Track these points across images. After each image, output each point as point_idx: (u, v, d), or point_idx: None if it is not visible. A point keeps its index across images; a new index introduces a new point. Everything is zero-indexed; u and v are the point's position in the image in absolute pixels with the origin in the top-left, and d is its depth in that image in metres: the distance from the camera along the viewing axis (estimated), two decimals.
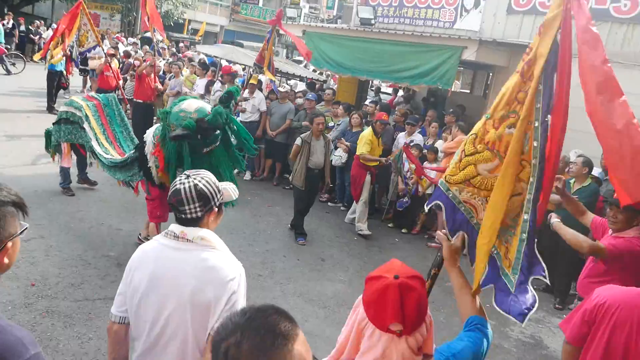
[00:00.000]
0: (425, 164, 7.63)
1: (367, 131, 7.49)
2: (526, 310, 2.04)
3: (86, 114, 5.91)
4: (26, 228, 1.52)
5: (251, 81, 9.28)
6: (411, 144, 7.73)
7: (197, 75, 10.91)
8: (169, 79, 10.95)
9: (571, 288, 6.05)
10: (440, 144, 7.89)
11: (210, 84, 10.22)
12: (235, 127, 4.42)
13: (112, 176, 5.60)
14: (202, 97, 9.96)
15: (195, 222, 2.17)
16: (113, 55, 11.63)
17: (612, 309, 2.68)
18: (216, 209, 2.23)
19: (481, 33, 9.14)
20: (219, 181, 2.32)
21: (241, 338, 1.13)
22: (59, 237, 5.63)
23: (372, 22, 10.45)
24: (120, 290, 2.21)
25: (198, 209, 2.15)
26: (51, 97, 12.01)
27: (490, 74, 13.05)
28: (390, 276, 1.62)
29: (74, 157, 6.69)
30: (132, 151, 5.25)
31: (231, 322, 1.17)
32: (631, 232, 3.70)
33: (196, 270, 2.08)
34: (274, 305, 1.23)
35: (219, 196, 2.23)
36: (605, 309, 2.70)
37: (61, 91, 12.84)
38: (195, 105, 4.20)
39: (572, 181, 6.05)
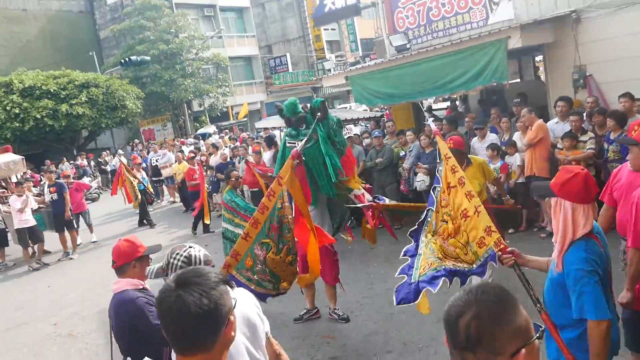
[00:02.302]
0: (507, 157, 7.63)
1: None
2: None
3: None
4: (237, 301, 1.67)
5: None
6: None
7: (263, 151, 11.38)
8: (239, 162, 11.49)
9: None
10: (517, 137, 7.78)
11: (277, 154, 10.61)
12: (332, 139, 4.94)
13: None
14: None
15: None
16: (194, 157, 12.58)
17: None
18: None
19: (518, 19, 9.12)
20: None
21: (478, 310, 1.25)
22: None
23: (408, 46, 10.66)
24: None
25: None
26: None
27: (535, 58, 12.88)
28: (578, 171, 2.55)
29: None
30: None
31: (461, 301, 1.29)
32: None
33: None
34: (493, 283, 1.36)
35: None
36: None
37: (149, 207, 13.84)
38: None
39: None
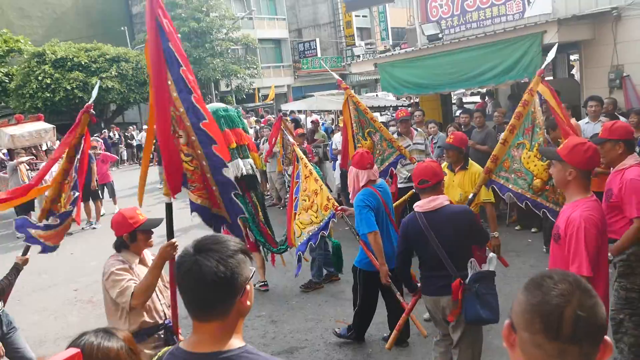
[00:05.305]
0: None
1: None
2: None
3: None
4: (255, 271, 1.69)
5: (340, 124, 9.57)
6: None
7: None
8: (263, 144, 11.52)
9: None
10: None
11: (300, 137, 10.59)
12: None
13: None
14: None
15: None
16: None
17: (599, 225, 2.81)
18: None
19: (555, 13, 8.89)
20: None
21: (582, 300, 1.14)
22: None
23: (440, 36, 10.51)
24: None
25: None
26: None
27: (570, 56, 12.57)
28: (358, 150, 4.68)
29: None
30: None
31: (560, 289, 1.16)
32: None
33: None
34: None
35: None
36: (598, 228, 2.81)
37: None
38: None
39: None
